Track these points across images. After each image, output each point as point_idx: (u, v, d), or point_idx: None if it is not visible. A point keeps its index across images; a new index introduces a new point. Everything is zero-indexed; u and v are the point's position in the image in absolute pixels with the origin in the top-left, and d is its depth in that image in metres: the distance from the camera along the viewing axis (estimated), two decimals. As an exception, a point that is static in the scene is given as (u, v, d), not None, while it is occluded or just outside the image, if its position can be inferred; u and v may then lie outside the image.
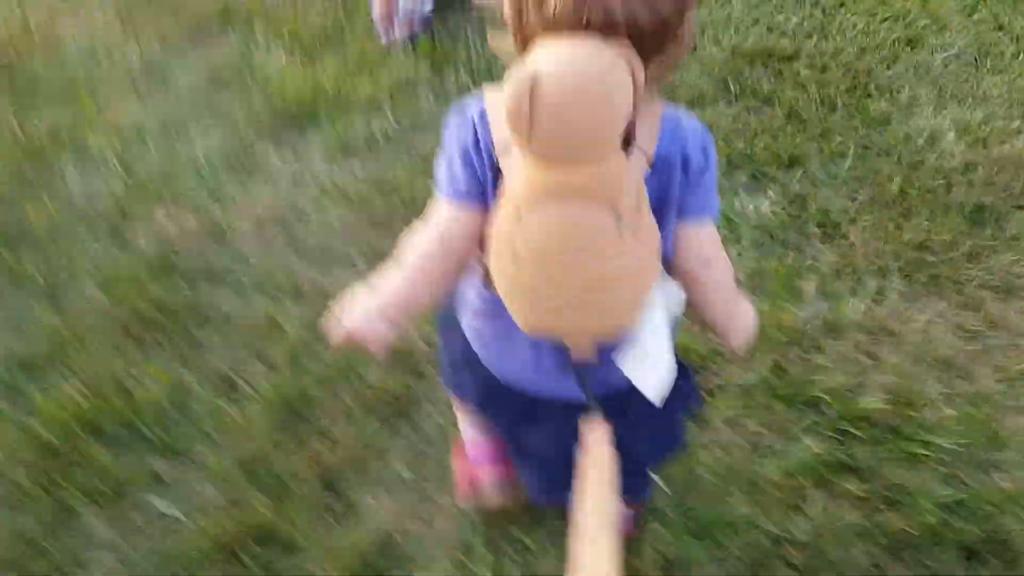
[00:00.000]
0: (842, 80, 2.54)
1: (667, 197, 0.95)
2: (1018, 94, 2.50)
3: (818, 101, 2.46)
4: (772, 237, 2.07)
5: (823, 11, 2.85)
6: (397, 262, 1.01)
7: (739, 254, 2.01)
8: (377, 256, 1.98)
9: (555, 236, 0.85)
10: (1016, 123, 2.39)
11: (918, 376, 1.74)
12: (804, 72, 2.56)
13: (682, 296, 1.04)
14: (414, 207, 2.05)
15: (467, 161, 0.96)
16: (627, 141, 0.83)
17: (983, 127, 2.39)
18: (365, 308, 1.00)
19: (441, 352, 1.31)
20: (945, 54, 2.66)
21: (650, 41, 0.83)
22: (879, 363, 1.77)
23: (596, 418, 0.96)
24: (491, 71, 2.53)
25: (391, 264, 1.01)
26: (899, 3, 2.89)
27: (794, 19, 2.80)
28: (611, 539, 0.88)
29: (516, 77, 0.78)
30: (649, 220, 0.90)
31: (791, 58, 2.62)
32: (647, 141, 0.91)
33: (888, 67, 2.62)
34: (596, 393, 0.98)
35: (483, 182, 0.96)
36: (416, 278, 1.00)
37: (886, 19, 2.82)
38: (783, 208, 2.14)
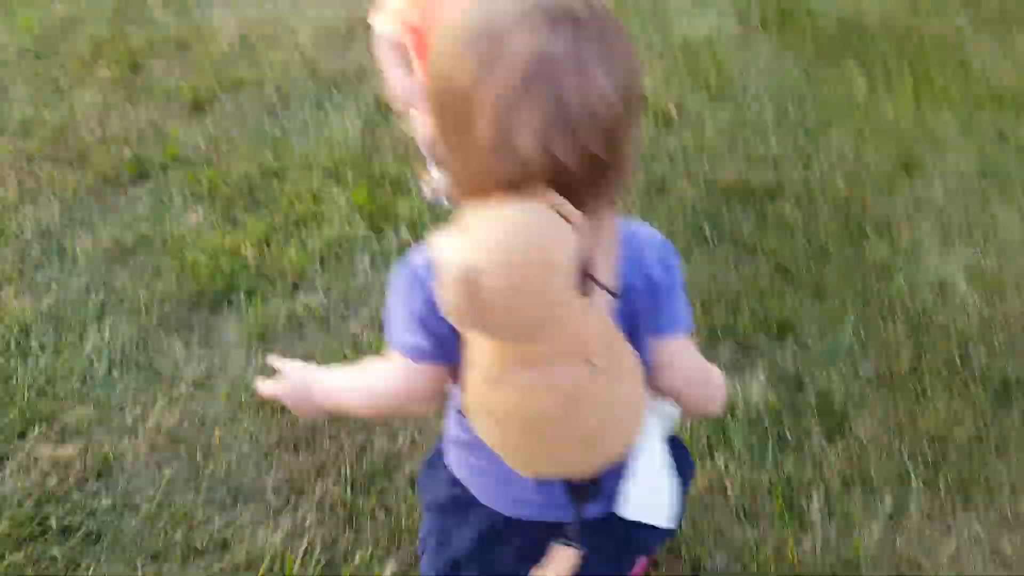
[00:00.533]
0: (833, 218, 2.25)
1: (637, 319, 0.90)
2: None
3: (807, 248, 2.16)
4: (766, 434, 1.75)
5: (806, 132, 2.57)
6: (351, 376, 1.02)
7: (726, 466, 1.68)
8: (295, 490, 1.65)
9: (531, 402, 0.81)
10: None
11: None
12: (790, 211, 2.27)
13: (675, 412, 1.01)
14: (340, 420, 1.73)
15: (424, 325, 0.90)
16: (586, 279, 0.79)
17: (997, 271, 2.09)
18: (303, 383, 1.05)
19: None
20: (946, 179, 2.38)
21: (584, 181, 0.77)
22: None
23: (570, 543, 0.94)
24: (439, 226, 2.21)
25: (345, 369, 1.03)
26: (890, 117, 2.63)
27: (775, 144, 2.52)
28: None
29: (449, 275, 0.74)
30: (624, 353, 0.85)
31: (774, 194, 2.33)
32: (607, 274, 0.84)
33: (884, 198, 2.33)
34: (586, 516, 0.96)
35: (444, 339, 0.89)
36: (362, 404, 1.03)
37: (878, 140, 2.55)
38: (776, 394, 1.83)
